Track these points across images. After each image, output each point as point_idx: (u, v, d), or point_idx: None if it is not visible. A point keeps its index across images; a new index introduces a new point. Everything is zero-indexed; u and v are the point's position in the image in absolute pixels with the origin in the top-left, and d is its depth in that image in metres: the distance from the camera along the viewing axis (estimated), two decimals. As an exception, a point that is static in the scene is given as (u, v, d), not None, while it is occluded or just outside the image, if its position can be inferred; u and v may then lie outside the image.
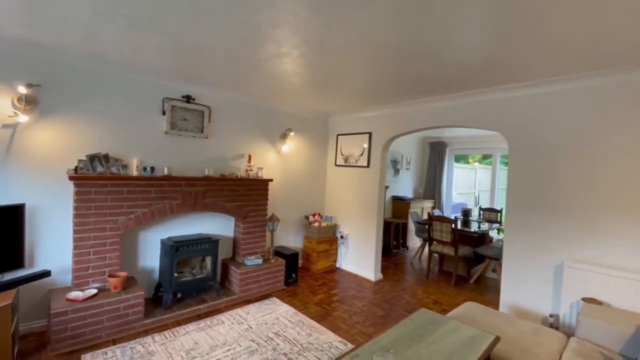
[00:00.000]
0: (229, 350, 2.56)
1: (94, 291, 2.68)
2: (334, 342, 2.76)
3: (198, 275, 3.42)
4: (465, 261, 4.67)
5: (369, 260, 4.48)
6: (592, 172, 2.64)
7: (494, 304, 3.28)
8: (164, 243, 3.24)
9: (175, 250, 3.11)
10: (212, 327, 2.90)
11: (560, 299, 2.75)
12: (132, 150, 3.15)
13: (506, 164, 3.28)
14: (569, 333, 2.53)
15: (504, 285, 3.17)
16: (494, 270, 4.66)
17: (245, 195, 3.78)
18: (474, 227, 4.95)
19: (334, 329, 3.00)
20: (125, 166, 2.98)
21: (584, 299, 2.50)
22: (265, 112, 4.30)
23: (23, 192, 2.63)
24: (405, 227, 6.14)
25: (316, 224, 4.71)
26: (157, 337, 2.71)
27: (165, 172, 3.22)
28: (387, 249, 5.70)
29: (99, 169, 2.80)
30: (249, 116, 4.12)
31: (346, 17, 1.86)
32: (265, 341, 2.71)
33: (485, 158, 7.22)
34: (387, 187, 5.51)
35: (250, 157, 4.05)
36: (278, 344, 2.67)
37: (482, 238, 4.90)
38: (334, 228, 4.89)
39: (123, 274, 2.82)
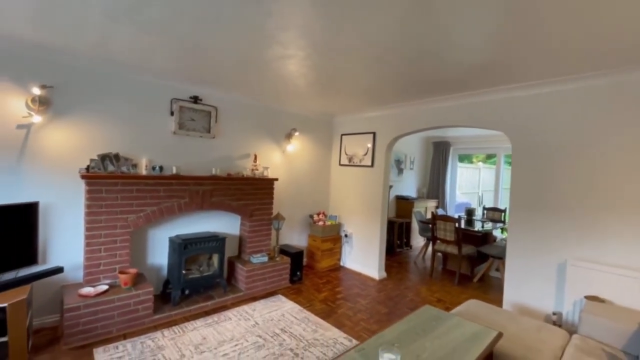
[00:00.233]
0: (236, 345, 2.62)
1: (105, 287, 2.75)
2: (339, 338, 2.81)
3: (205, 272, 3.48)
4: (469, 260, 4.70)
5: (372, 259, 4.52)
6: (594, 172, 2.67)
7: (497, 302, 3.31)
8: (172, 241, 3.31)
9: (183, 247, 3.18)
10: (220, 323, 2.96)
11: (563, 297, 2.78)
12: (141, 150, 3.22)
13: (510, 163, 3.31)
14: (572, 331, 2.56)
15: (507, 283, 3.20)
16: (497, 269, 4.69)
17: (251, 194, 3.84)
18: (477, 226, 4.98)
19: (339, 325, 3.05)
20: (135, 165, 3.05)
21: (586, 297, 2.53)
22: (270, 112, 4.36)
23: (37, 190, 2.71)
24: (408, 226, 6.17)
25: (320, 223, 4.76)
26: (166, 332, 2.77)
27: (174, 172, 3.29)
28: (391, 248, 5.74)
29: (110, 168, 2.87)
30: (254, 116, 4.18)
31: (351, 20, 1.91)
32: (272, 337, 2.77)
33: (489, 158, 7.23)
34: (390, 187, 5.55)
35: (255, 156, 4.12)
36: (284, 340, 2.73)
37: (486, 237, 4.93)
38: (338, 227, 4.94)
39: (133, 270, 2.89)
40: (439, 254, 4.97)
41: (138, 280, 2.97)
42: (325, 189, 5.24)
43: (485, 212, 5.90)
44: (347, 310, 3.40)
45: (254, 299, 3.56)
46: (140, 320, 2.83)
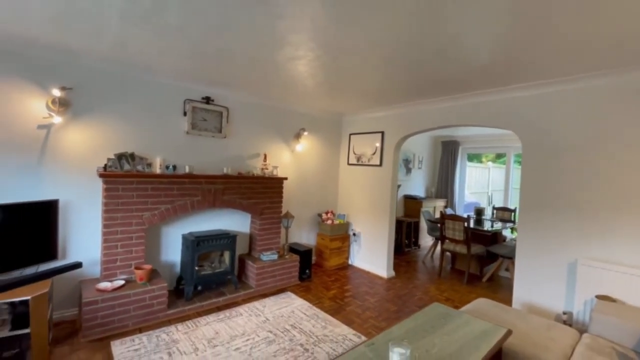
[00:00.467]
0: (248, 340, 2.68)
1: (122, 282, 2.84)
2: (348, 334, 2.85)
3: (217, 269, 3.56)
4: (478, 260, 4.69)
5: (381, 258, 4.55)
6: (606, 171, 2.65)
7: (507, 302, 3.31)
8: (185, 238, 3.39)
9: (196, 244, 3.26)
10: (231, 319, 3.03)
11: (573, 296, 2.77)
12: (155, 150, 3.31)
13: (520, 163, 3.29)
14: (583, 330, 2.55)
15: (516, 283, 3.19)
16: (506, 269, 4.66)
17: (261, 192, 3.90)
18: (487, 226, 4.96)
19: (348, 322, 3.09)
20: (149, 164, 3.14)
21: (597, 297, 2.52)
22: (280, 112, 4.42)
23: (56, 188, 2.81)
24: (417, 225, 6.17)
25: (329, 222, 4.81)
26: (179, 326, 2.85)
27: (187, 170, 3.37)
28: (399, 248, 5.75)
29: (126, 167, 2.96)
30: (264, 116, 4.25)
31: (361, 21, 1.94)
32: (282, 332, 2.82)
33: (499, 157, 7.18)
34: (399, 186, 5.56)
35: (265, 156, 4.18)
36: (294, 335, 2.78)
37: (495, 237, 4.91)
38: (346, 226, 4.97)
39: (148, 266, 2.98)
40: (448, 253, 4.97)
41: (153, 275, 3.06)
42: (333, 188, 5.28)
43: (494, 211, 5.87)
44: (356, 308, 3.44)
45: (264, 295, 3.63)
46: (155, 314, 2.91)
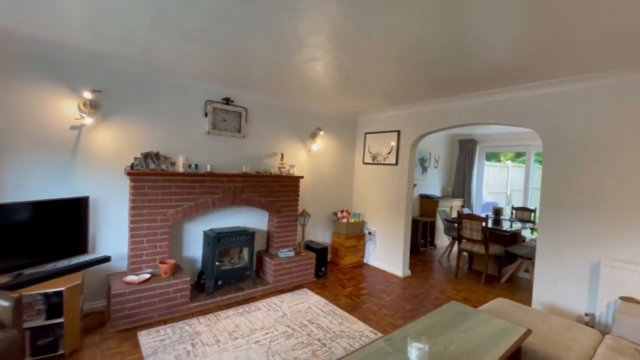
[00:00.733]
0: (267, 333, 2.76)
1: (148, 276, 2.98)
2: (365, 331, 2.88)
3: (236, 264, 3.67)
4: (496, 260, 4.62)
5: (396, 257, 4.55)
6: (630, 170, 2.58)
7: (526, 302, 3.25)
8: (206, 234, 3.51)
9: (217, 240, 3.37)
10: (250, 313, 3.12)
11: (596, 298, 2.71)
12: (178, 149, 3.44)
13: (540, 162, 3.24)
14: (605, 332, 2.50)
15: (536, 283, 3.14)
16: (526, 270, 4.58)
17: (278, 191, 3.98)
18: (505, 226, 4.88)
19: (364, 319, 3.13)
20: (173, 163, 3.26)
21: (621, 298, 2.47)
22: (296, 112, 4.49)
23: (87, 186, 2.97)
24: (433, 225, 6.13)
25: (344, 220, 4.85)
26: (201, 319, 2.96)
27: (208, 169, 3.49)
28: (415, 247, 5.73)
29: (151, 166, 3.09)
30: (281, 116, 4.33)
31: (378, 21, 1.97)
32: (300, 327, 2.89)
33: (518, 156, 7.02)
34: (414, 185, 5.53)
35: (282, 155, 4.26)
36: (312, 331, 2.84)
37: (515, 237, 4.82)
38: (361, 224, 5.00)
39: (172, 261, 3.11)
40: (465, 253, 4.91)
41: (176, 270, 3.19)
42: (349, 186, 5.32)
43: (514, 211, 5.76)
44: (372, 306, 3.47)
45: (282, 291, 3.71)
46: (178, 307, 3.03)
